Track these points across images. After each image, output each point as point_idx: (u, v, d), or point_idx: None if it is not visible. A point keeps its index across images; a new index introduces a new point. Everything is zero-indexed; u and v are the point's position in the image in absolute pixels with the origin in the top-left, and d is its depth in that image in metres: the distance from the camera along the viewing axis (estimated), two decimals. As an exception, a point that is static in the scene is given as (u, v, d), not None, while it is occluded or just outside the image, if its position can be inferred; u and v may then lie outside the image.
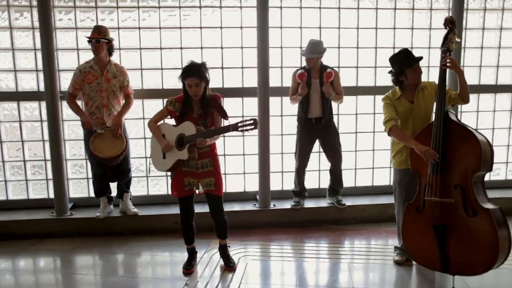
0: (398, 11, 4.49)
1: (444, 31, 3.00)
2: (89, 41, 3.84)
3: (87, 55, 4.22)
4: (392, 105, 3.15)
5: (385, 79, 4.50)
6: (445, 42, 2.98)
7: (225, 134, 3.45)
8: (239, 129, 2.82)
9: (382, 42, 4.52)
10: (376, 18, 4.47)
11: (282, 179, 4.62)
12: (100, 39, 3.84)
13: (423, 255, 2.99)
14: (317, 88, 4.06)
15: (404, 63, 3.08)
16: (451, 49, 2.97)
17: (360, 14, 4.46)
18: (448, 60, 2.91)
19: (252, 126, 2.78)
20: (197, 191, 3.21)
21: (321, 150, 4.36)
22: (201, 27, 4.30)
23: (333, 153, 4.24)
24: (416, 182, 3.03)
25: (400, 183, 3.27)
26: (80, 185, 4.51)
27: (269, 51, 4.16)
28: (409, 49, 3.17)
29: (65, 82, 4.28)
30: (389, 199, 4.45)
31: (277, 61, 4.41)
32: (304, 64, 4.18)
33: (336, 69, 4.42)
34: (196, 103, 3.08)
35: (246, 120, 2.80)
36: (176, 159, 3.06)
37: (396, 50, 4.44)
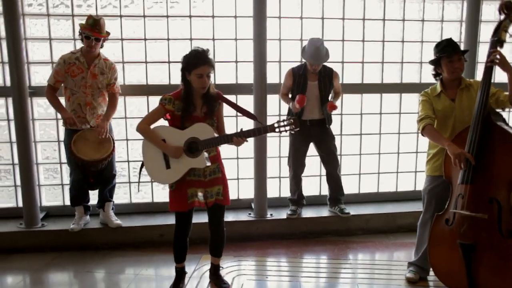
0: (408, 1, 4.09)
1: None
2: (87, 38, 3.33)
3: (62, 46, 3.75)
4: (429, 102, 2.79)
5: (394, 76, 4.18)
6: (497, 31, 2.56)
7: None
8: (276, 129, 2.51)
9: (390, 35, 4.12)
10: (384, 8, 4.06)
11: (280, 185, 4.20)
12: (100, 38, 3.38)
13: (449, 274, 2.64)
14: (314, 90, 3.67)
15: (442, 51, 2.69)
16: (503, 39, 2.55)
17: (367, 4, 4.04)
18: (497, 56, 2.49)
19: (293, 126, 2.48)
20: (202, 200, 2.71)
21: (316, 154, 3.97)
22: (190, 16, 3.84)
23: (331, 158, 3.85)
24: (450, 193, 2.66)
25: (430, 191, 2.88)
26: (54, 191, 4.03)
27: (266, 43, 3.72)
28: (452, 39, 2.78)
29: (36, 76, 3.81)
30: (396, 208, 4.10)
31: (275, 55, 3.98)
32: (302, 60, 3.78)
33: (339, 65, 4.05)
34: (199, 100, 2.65)
35: (284, 120, 2.50)
36: (189, 167, 2.61)
37: (406, 44, 4.16)
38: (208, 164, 2.63)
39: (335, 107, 3.64)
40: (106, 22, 3.75)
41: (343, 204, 3.97)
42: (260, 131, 2.60)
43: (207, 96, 2.64)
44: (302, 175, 3.92)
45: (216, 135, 2.61)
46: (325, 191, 4.15)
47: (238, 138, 2.54)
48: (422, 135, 2.77)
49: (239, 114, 2.79)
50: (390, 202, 4.24)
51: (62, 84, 3.46)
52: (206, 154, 2.62)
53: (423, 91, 2.86)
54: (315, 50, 3.56)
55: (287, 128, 2.50)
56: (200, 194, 2.72)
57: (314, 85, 3.67)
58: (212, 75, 2.61)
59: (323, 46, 3.61)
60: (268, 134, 3.84)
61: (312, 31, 3.94)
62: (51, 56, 3.74)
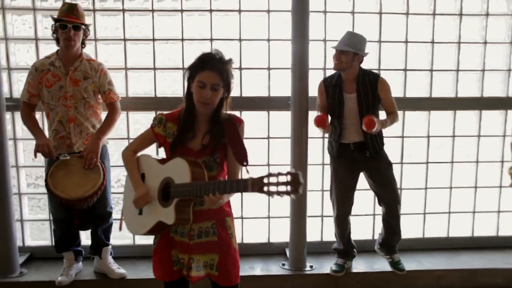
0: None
1: None
2: (62, 27, 2.57)
3: (51, 48, 2.99)
4: None
5: (472, 87, 3.26)
6: None
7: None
8: (264, 189, 1.45)
9: (440, 34, 3.19)
10: (461, 1, 3.15)
11: (322, 226, 3.31)
12: (79, 24, 2.59)
13: None
14: (353, 105, 2.76)
15: None
16: None
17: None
18: None
19: (290, 188, 1.40)
20: (189, 275, 1.82)
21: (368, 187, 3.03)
22: (211, 10, 3.04)
23: (387, 191, 2.87)
24: None
25: None
26: (41, 227, 3.27)
27: (308, 45, 2.87)
28: None
29: (19, 85, 3.07)
30: (475, 260, 3.19)
31: (319, 61, 3.12)
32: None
33: (401, 73, 3.19)
34: (202, 125, 1.84)
35: (278, 174, 1.42)
36: (157, 220, 1.79)
37: (462, 45, 3.18)
38: (184, 217, 1.73)
39: (371, 123, 2.59)
40: (106, 19, 3.03)
41: (397, 253, 3.02)
42: (238, 187, 1.54)
43: (214, 122, 1.82)
44: (350, 215, 3.00)
45: (198, 180, 1.70)
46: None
47: (211, 192, 1.60)
48: None
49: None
50: (465, 251, 3.29)
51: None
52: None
53: None
54: (344, 35, 2.76)
55: (281, 189, 1.41)
56: (181, 262, 1.84)
57: (351, 98, 2.76)
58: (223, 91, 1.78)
59: (355, 34, 2.77)
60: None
61: (366, 30, 3.05)
62: (38, 58, 2.99)
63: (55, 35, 2.66)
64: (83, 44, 2.73)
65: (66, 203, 2.58)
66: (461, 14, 3.15)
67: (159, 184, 1.81)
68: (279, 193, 1.41)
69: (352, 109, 2.76)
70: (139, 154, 1.94)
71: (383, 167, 2.87)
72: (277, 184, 1.41)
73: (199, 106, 1.76)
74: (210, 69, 1.73)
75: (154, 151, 2.17)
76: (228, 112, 1.84)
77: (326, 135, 3.01)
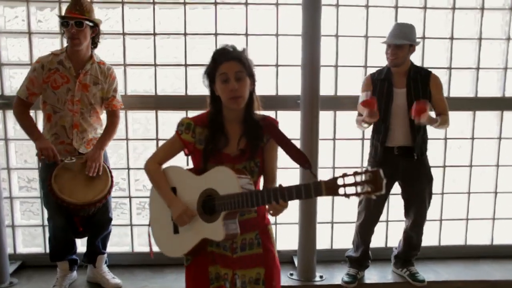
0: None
1: None
2: (65, 25, 2.36)
3: (46, 43, 2.82)
4: None
5: (493, 87, 3.09)
6: None
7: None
8: (340, 192, 1.34)
9: (460, 30, 3.01)
10: None
11: (332, 233, 3.13)
12: (82, 20, 2.36)
13: None
14: (402, 101, 2.58)
15: None
16: None
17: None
18: None
19: (371, 187, 1.28)
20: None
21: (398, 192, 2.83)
22: (215, 3, 2.87)
23: (418, 207, 2.71)
24: None
25: None
26: (33, 233, 3.09)
27: (320, 41, 2.69)
28: None
29: (11, 82, 2.92)
30: (495, 270, 3.01)
31: (330, 57, 2.94)
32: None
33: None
34: (235, 127, 1.69)
35: (354, 174, 1.32)
36: (201, 237, 1.64)
37: (483, 42, 2.97)
38: (233, 232, 1.59)
39: (422, 108, 2.39)
40: (105, 11, 2.85)
41: (415, 266, 2.85)
42: (308, 192, 1.40)
43: (248, 122, 1.66)
44: (376, 226, 2.81)
45: (247, 188, 1.57)
46: (393, 242, 3.06)
47: (275, 200, 1.47)
48: None
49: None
50: (484, 260, 3.11)
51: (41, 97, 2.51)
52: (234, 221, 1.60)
53: None
54: (394, 28, 2.57)
55: (361, 189, 1.31)
56: (225, 277, 1.69)
57: (401, 93, 2.59)
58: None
59: (407, 25, 2.59)
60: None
61: (381, 25, 2.90)
62: (30, 55, 2.82)
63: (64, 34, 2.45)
64: (94, 44, 2.52)
65: (74, 208, 2.38)
66: (482, 8, 2.96)
67: (198, 197, 1.63)
68: (358, 194, 1.31)
69: (401, 106, 2.59)
70: (164, 166, 1.74)
71: (423, 180, 2.69)
72: (355, 184, 1.32)
73: (230, 103, 1.60)
74: (228, 59, 1.60)
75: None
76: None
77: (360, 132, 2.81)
